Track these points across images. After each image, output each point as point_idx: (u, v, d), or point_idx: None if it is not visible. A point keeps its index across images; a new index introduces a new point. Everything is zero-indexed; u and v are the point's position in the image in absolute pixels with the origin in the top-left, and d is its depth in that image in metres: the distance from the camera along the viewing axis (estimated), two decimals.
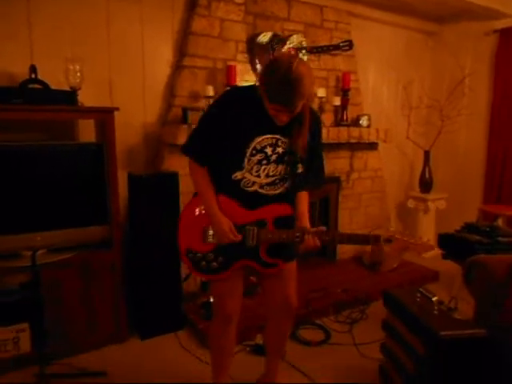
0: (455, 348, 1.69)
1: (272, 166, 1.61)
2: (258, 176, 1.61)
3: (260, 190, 1.63)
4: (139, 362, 2.34)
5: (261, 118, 1.52)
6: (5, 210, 2.17)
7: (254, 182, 1.61)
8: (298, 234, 1.60)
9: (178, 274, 2.64)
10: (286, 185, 1.67)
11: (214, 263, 1.68)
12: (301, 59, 1.44)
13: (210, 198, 1.64)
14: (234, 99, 1.59)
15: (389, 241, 1.55)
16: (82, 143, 2.58)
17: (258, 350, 2.37)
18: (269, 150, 1.59)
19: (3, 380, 2.14)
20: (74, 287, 2.34)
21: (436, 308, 1.85)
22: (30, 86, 2.29)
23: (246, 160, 1.58)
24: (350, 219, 3.81)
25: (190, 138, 1.70)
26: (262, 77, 1.45)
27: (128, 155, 2.85)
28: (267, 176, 1.62)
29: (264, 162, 1.59)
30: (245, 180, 1.61)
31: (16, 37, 2.44)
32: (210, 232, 1.68)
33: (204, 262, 1.69)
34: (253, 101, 1.51)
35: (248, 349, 2.44)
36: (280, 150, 1.60)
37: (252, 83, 1.81)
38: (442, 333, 1.66)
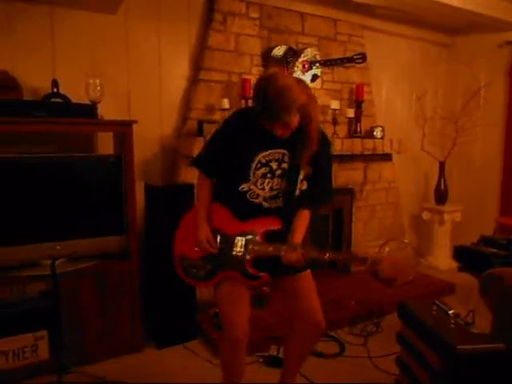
0: (473, 363, 1.66)
1: (276, 180, 1.66)
2: (263, 189, 1.66)
3: (264, 203, 1.68)
4: (154, 372, 2.36)
5: (266, 133, 1.57)
6: (26, 220, 2.23)
7: (258, 195, 1.67)
8: (284, 248, 1.59)
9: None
10: (285, 199, 1.69)
11: (202, 271, 1.72)
12: (282, 73, 1.51)
13: (202, 206, 1.73)
14: (241, 118, 1.69)
15: (376, 262, 1.57)
16: (101, 155, 2.64)
17: (272, 362, 2.37)
18: (274, 165, 1.64)
19: None
20: (91, 296, 2.38)
21: (452, 321, 1.83)
22: (53, 99, 2.38)
23: (251, 173, 1.64)
24: (364, 230, 3.80)
25: (199, 153, 1.83)
26: (253, 97, 1.56)
27: (145, 167, 2.91)
28: (271, 189, 1.67)
29: (268, 175, 1.65)
30: (251, 192, 1.67)
31: (39, 52, 2.54)
32: None
33: (194, 269, 1.74)
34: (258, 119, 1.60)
35: (261, 360, 2.44)
36: (286, 165, 1.65)
37: None
38: (459, 347, 1.64)
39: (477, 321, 2.37)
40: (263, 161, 1.63)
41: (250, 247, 1.65)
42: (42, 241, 2.25)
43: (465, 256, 2.75)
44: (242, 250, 1.66)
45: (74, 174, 2.35)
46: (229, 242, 1.69)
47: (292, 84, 1.48)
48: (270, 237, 1.68)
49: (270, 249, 1.63)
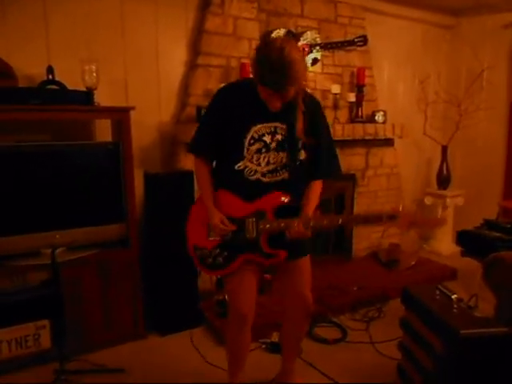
0: (476, 347, 1.65)
1: (272, 154, 1.64)
2: (259, 164, 1.64)
3: (262, 179, 1.65)
4: (156, 359, 2.36)
5: (256, 107, 1.58)
6: (25, 209, 2.22)
7: (255, 171, 1.64)
8: (296, 222, 1.58)
9: (193, 272, 2.65)
10: (288, 172, 1.67)
11: (220, 258, 1.71)
12: (294, 44, 1.48)
13: (207, 193, 1.71)
14: (228, 93, 1.67)
15: (393, 217, 1.50)
16: (98, 143, 2.62)
17: (274, 348, 2.37)
18: (267, 138, 1.62)
19: (24, 375, 2.18)
20: (92, 285, 2.37)
21: (455, 306, 1.82)
22: (48, 86, 2.33)
23: (245, 150, 1.62)
24: None
25: (193, 138, 1.76)
26: (255, 57, 1.47)
27: (143, 154, 2.87)
28: (268, 164, 1.64)
29: (263, 150, 1.63)
30: (247, 169, 1.64)
31: (34, 39, 2.48)
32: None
33: (210, 259, 1.73)
34: (247, 92, 1.59)
35: (264, 346, 2.44)
36: (279, 137, 1.63)
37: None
38: (463, 331, 1.63)
39: (480, 305, 2.35)
40: (256, 136, 1.61)
41: (261, 226, 1.64)
42: (41, 230, 2.24)
43: (468, 240, 2.73)
44: (255, 230, 1.65)
45: (72, 161, 2.33)
46: (240, 226, 1.67)
47: (301, 56, 1.47)
48: (281, 212, 1.65)
49: (282, 224, 1.61)
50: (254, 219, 1.65)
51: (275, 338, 2.41)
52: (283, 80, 1.43)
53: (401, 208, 1.51)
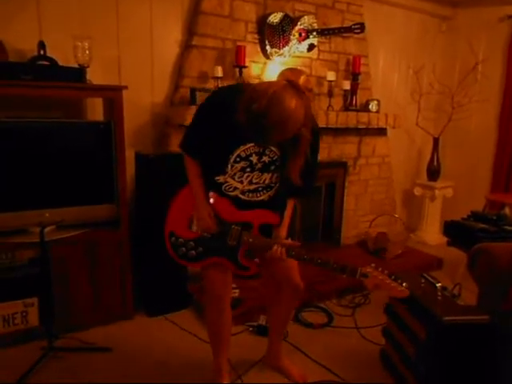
0: (458, 333, 1.70)
1: (256, 174, 1.61)
2: (241, 182, 1.61)
3: (241, 196, 1.64)
4: (144, 339, 2.38)
5: None
6: (15, 186, 2.19)
7: (235, 188, 1.62)
8: (279, 249, 1.61)
9: None
10: (269, 193, 1.67)
11: (193, 252, 1.71)
12: (285, 89, 1.29)
13: (198, 186, 1.68)
14: (223, 102, 1.52)
15: (365, 276, 1.57)
16: (90, 121, 2.58)
17: (261, 331, 2.40)
18: (254, 159, 1.58)
19: (11, 352, 2.18)
20: (81, 264, 2.37)
21: (440, 294, 1.86)
22: (39, 62, 2.29)
23: (229, 166, 1.59)
24: (355, 205, 3.81)
25: (185, 135, 1.71)
26: (244, 103, 1.32)
27: (135, 134, 2.84)
28: (250, 183, 1.62)
29: (248, 169, 1.59)
30: (226, 184, 1.63)
31: (25, 13, 2.41)
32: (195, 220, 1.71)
33: (184, 249, 1.72)
34: None
35: (251, 329, 2.47)
36: (267, 158, 1.59)
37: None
38: (446, 318, 1.68)
39: (463, 294, 2.41)
40: (243, 155, 1.57)
41: (245, 238, 1.64)
42: (30, 208, 2.22)
43: (454, 231, 2.78)
44: (237, 239, 1.65)
45: (63, 140, 2.30)
46: (224, 229, 1.66)
47: (294, 108, 1.29)
48: (264, 229, 1.67)
49: (263, 244, 1.63)
50: (240, 228, 1.64)
51: (263, 320, 2.44)
52: (266, 138, 1.37)
53: (372, 270, 1.59)
